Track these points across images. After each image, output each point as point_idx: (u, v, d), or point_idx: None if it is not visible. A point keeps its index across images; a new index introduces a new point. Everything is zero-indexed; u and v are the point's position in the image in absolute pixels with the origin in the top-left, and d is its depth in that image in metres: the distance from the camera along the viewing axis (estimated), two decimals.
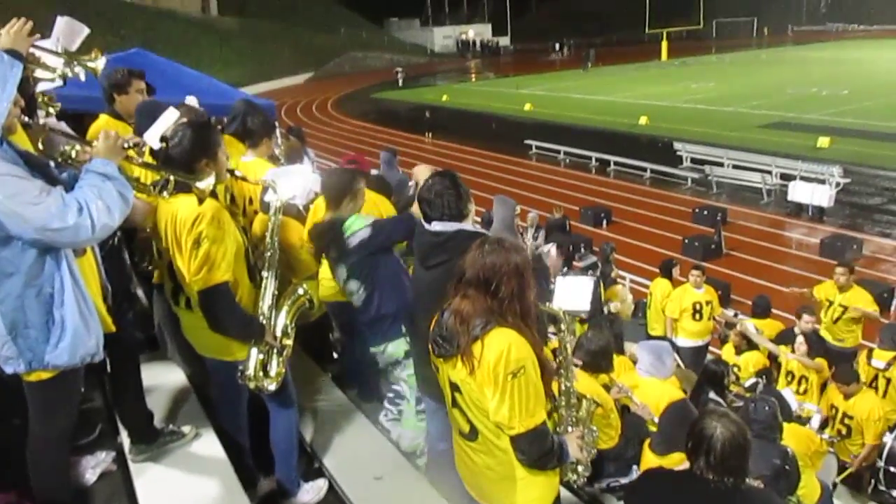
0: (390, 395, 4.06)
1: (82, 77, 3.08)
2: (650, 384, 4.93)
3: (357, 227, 3.62)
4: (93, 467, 3.33)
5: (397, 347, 3.80)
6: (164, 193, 2.87)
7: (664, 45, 50.55)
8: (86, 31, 3.76)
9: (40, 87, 3.65)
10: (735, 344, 7.85)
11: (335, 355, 5.01)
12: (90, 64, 3.09)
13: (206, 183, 2.85)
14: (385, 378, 4.09)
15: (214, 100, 7.58)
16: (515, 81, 42.66)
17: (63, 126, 3.85)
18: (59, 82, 3.29)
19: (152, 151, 3.06)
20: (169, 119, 3.21)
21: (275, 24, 56.41)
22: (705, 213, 15.91)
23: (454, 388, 2.64)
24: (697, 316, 8.69)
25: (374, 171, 6.74)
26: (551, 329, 3.40)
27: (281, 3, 62.36)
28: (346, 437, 3.98)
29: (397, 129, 29.40)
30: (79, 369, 2.60)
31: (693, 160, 20.00)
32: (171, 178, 2.87)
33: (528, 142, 24.08)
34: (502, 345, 2.44)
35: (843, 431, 6.56)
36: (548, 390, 2.64)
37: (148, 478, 3.16)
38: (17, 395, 2.66)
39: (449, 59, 64.67)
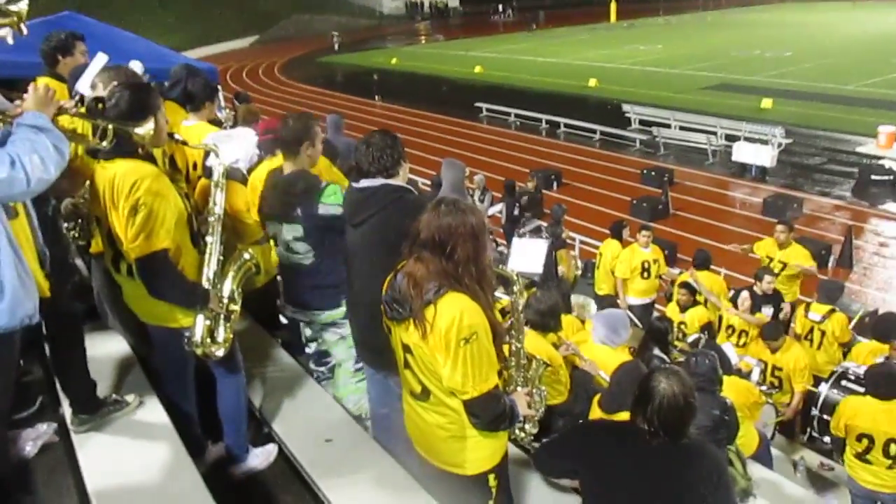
0: (314, 355, 4.08)
1: (10, 40, 2.95)
2: (602, 350, 5.02)
3: (333, 200, 3.53)
4: (33, 440, 3.26)
5: (335, 311, 3.81)
6: (104, 143, 2.77)
7: (612, 7, 50.58)
8: None
9: None
10: (680, 302, 8.05)
11: (283, 321, 4.96)
12: (13, 7, 2.97)
13: (145, 128, 2.78)
14: (316, 338, 4.08)
15: (154, 64, 7.34)
16: (465, 44, 42.32)
17: None
18: None
19: (86, 106, 2.96)
20: (98, 64, 3.10)
21: None
22: (653, 174, 16.18)
23: (406, 349, 2.65)
24: (645, 274, 8.92)
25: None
26: (500, 290, 3.41)
27: None
28: (296, 402, 3.96)
29: (346, 94, 28.98)
30: (15, 334, 2.52)
31: (641, 122, 20.25)
32: (109, 126, 2.78)
33: (478, 105, 24.03)
34: (455, 311, 2.45)
35: (776, 384, 6.84)
36: (499, 353, 2.67)
37: (91, 448, 3.10)
38: None
39: (398, 22, 63.65)
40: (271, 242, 4.08)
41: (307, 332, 3.99)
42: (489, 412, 2.59)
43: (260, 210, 3.81)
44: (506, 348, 2.91)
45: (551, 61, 33.82)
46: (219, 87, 6.06)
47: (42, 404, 3.53)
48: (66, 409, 3.26)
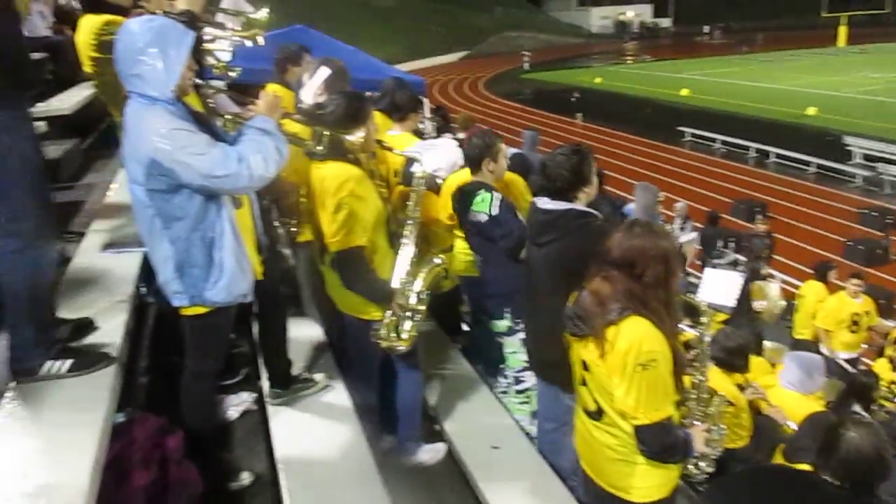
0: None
1: (248, 42, 3.36)
2: (791, 395, 4.69)
3: (480, 208, 3.70)
4: (235, 405, 3.65)
5: (500, 323, 3.92)
6: (320, 149, 3.06)
7: (842, 30, 46.61)
8: (250, 8, 4.07)
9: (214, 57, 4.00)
10: (894, 360, 7.25)
11: (465, 328, 5.13)
12: (254, 16, 3.39)
13: (357, 135, 3.04)
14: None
15: (368, 75, 7.92)
16: (673, 65, 40.98)
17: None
18: (228, 56, 3.61)
19: (305, 110, 3.28)
20: (321, 77, 3.42)
21: (431, 3, 57.23)
22: (874, 214, 14.68)
23: (584, 366, 2.66)
24: (854, 328, 8.10)
25: (514, 150, 6.80)
26: (687, 321, 3.32)
27: None
28: (469, 407, 4.09)
29: (546, 111, 29.12)
30: (231, 308, 2.83)
31: (865, 157, 18.45)
32: (325, 133, 3.07)
33: (681, 129, 23.16)
34: (636, 334, 2.42)
35: None
36: (678, 383, 2.61)
37: (282, 420, 3.40)
38: (176, 337, 2.96)
39: (605, 41, 63.01)
40: (455, 250, 4.27)
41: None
42: (658, 442, 2.53)
43: (451, 218, 4.01)
44: (687, 380, 2.82)
45: (765, 86, 31.81)
46: (425, 99, 6.41)
47: (246, 375, 3.92)
48: (265, 382, 3.61)
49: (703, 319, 2.87)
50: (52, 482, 2.12)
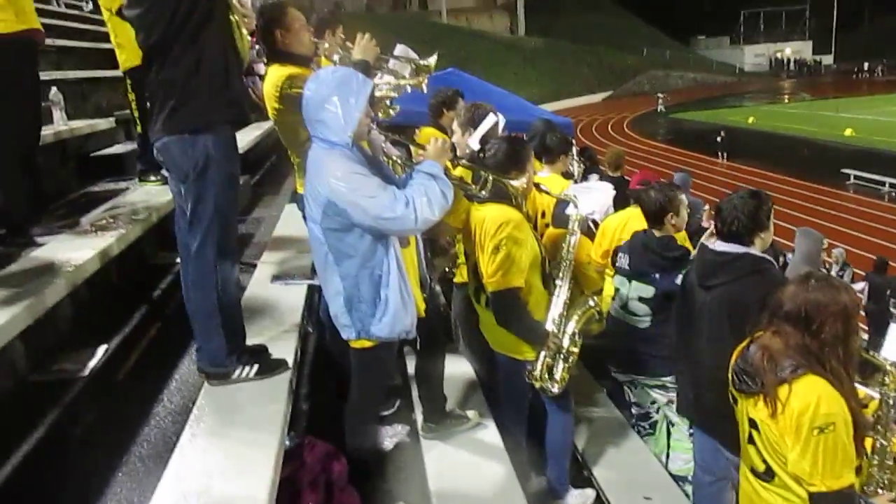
0: (638, 411, 4.06)
1: (421, 87, 3.56)
2: None
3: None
4: (391, 436, 3.77)
5: (669, 378, 3.83)
6: (483, 193, 3.17)
7: None
8: (414, 55, 4.29)
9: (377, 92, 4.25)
10: None
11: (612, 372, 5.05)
12: (424, 62, 3.60)
13: (519, 181, 3.13)
14: (642, 392, 4.08)
15: (518, 116, 8.05)
16: (836, 104, 38.57)
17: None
18: (394, 94, 3.82)
19: (471, 155, 3.41)
20: (488, 124, 3.56)
21: (577, 45, 57.42)
22: None
23: (752, 424, 2.53)
24: None
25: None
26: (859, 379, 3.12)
27: (585, 23, 63.30)
28: (618, 453, 4.01)
29: (693, 151, 28.24)
30: (394, 344, 2.96)
31: None
32: (489, 178, 3.18)
33: (845, 171, 21.71)
34: (811, 395, 2.30)
35: None
36: (859, 448, 2.43)
37: (436, 454, 3.48)
38: (336, 366, 3.14)
39: (759, 79, 60.48)
40: (605, 293, 4.23)
41: (629, 393, 4.04)
42: None
43: (612, 262, 3.98)
44: (868, 442, 2.63)
45: None
46: (573, 140, 6.46)
47: (399, 407, 4.05)
48: (419, 416, 3.72)
49: (887, 380, 2.68)
50: (233, 495, 2.29)
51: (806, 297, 2.37)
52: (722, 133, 27.87)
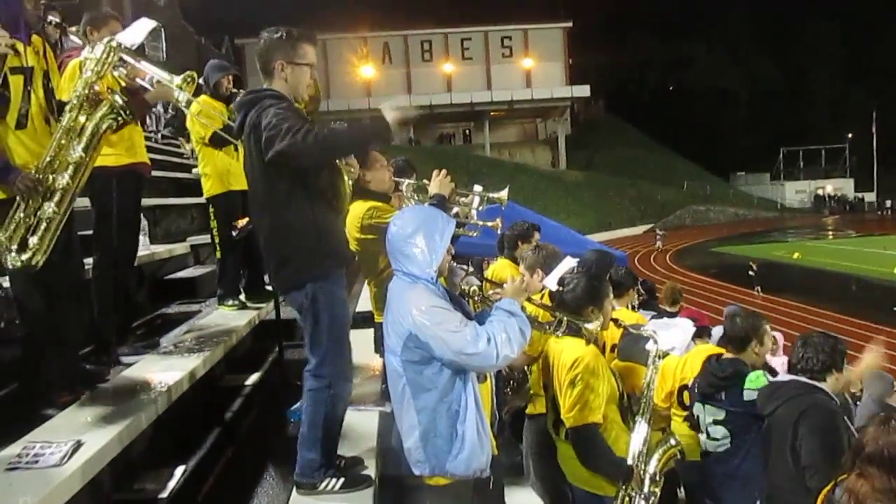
0: None
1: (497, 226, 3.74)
2: None
3: (760, 384, 3.65)
4: None
5: None
6: (558, 333, 3.24)
7: None
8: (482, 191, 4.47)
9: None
10: None
11: None
12: (495, 195, 3.79)
13: (595, 325, 3.20)
14: None
15: (572, 249, 8.22)
16: (882, 241, 38.27)
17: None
18: (474, 234, 3.99)
19: (549, 294, 3.52)
20: (565, 267, 3.69)
21: (618, 178, 58.76)
22: None
23: None
24: None
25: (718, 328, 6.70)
26: None
27: (626, 157, 64.99)
28: None
29: (736, 284, 27.97)
30: (469, 482, 2.90)
31: None
32: (564, 318, 3.25)
33: None
34: None
35: None
36: None
37: None
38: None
39: (801, 215, 60.68)
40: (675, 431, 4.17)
41: None
42: None
43: (691, 391, 3.98)
44: None
45: None
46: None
47: None
48: None
49: None
50: None
51: (888, 439, 2.38)
52: (754, 266, 27.54)
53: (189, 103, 3.88)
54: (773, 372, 4.17)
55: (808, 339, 3.29)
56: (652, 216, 54.85)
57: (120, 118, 3.13)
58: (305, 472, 3.09)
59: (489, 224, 3.88)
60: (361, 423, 3.93)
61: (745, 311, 4.20)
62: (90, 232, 4.07)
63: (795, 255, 34.69)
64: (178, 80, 3.28)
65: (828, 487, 2.59)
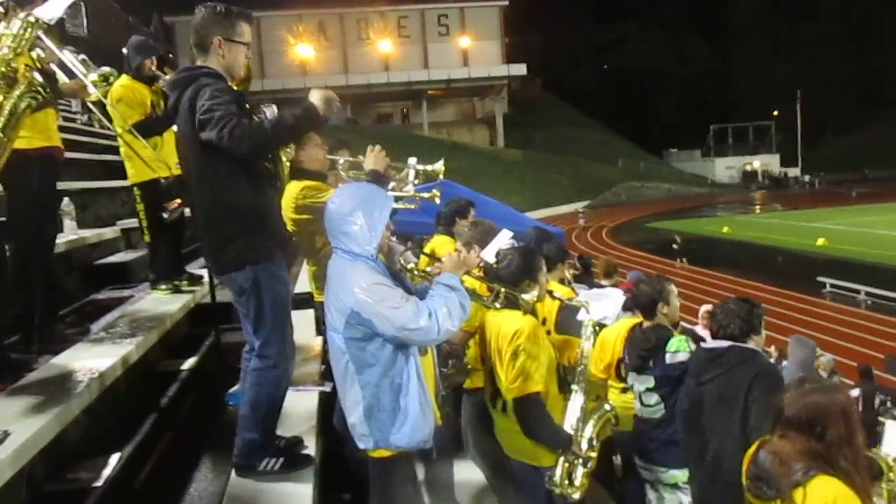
0: None
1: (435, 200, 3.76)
2: None
3: (682, 348, 3.78)
4: None
5: (682, 473, 3.84)
6: (496, 305, 3.29)
7: None
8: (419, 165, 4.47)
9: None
10: None
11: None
12: (431, 168, 3.79)
13: (531, 295, 3.25)
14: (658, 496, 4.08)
15: (510, 226, 8.28)
16: (806, 214, 39.88)
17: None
18: (412, 206, 3.99)
19: (484, 268, 3.55)
20: (502, 239, 3.73)
21: (555, 157, 59.48)
22: None
23: None
24: None
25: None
26: None
27: (563, 136, 65.77)
28: None
29: (670, 259, 28.79)
30: (413, 455, 2.98)
31: None
32: (501, 291, 3.30)
33: (821, 279, 22.21)
34: (827, 496, 2.36)
35: None
36: None
37: None
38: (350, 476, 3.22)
39: (731, 190, 62.61)
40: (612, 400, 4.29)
41: (651, 496, 4.04)
42: None
43: (624, 362, 4.09)
44: None
45: None
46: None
47: None
48: None
49: (892, 476, 2.76)
50: None
51: (804, 401, 2.48)
52: (678, 239, 28.63)
53: (101, 105, 3.74)
54: (698, 338, 4.32)
55: (725, 306, 3.40)
56: (589, 193, 55.73)
57: (39, 96, 2.99)
58: (244, 454, 3.08)
59: (426, 196, 3.85)
60: (301, 404, 3.92)
61: (648, 276, 4.29)
62: (3, 219, 3.90)
63: (725, 230, 35.86)
64: (93, 76, 3.15)
65: (751, 449, 2.68)
